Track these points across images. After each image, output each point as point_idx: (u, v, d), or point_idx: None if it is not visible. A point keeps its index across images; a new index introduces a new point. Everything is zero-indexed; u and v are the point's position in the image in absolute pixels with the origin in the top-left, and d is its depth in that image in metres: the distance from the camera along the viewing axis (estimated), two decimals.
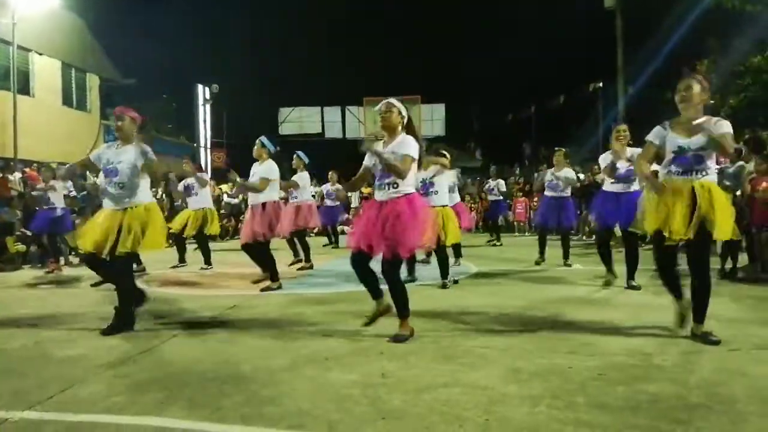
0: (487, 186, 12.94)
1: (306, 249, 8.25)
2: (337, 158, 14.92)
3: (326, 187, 11.68)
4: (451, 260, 6.79)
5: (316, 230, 12.07)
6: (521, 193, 16.43)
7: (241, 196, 14.42)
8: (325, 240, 12.33)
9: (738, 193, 6.51)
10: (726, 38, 16.04)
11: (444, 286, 6.04)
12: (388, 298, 3.96)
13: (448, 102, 27.47)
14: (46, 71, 18.24)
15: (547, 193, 7.99)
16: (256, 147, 6.34)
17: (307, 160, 8.52)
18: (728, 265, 6.45)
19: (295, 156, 8.50)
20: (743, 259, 6.63)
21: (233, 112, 25.90)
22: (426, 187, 5.97)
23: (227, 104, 25.71)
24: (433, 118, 27.12)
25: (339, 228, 12.64)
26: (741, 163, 6.96)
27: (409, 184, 3.90)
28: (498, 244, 11.96)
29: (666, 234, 3.60)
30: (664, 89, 9.98)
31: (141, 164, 4.39)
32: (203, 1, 30.44)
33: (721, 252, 6.49)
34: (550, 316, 4.58)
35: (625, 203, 5.42)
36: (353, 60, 27.56)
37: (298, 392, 2.86)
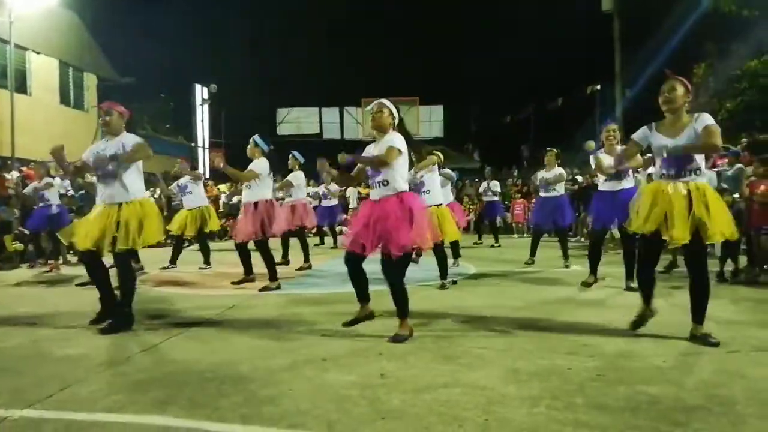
0: (481, 187, 13.03)
1: (306, 249, 8.25)
2: (335, 159, 14.86)
3: (321, 188, 11.68)
4: (450, 261, 6.79)
5: (314, 230, 12.08)
6: (519, 195, 16.46)
7: (236, 198, 14.39)
8: (317, 240, 12.33)
9: (736, 195, 6.53)
10: (723, 42, 16.15)
11: (443, 287, 6.04)
12: (373, 305, 4.08)
13: (446, 103, 27.59)
14: (43, 70, 18.21)
15: (541, 194, 8.05)
16: (249, 146, 6.38)
17: (302, 160, 8.52)
18: (727, 267, 6.46)
19: (290, 156, 8.51)
20: (741, 261, 6.64)
21: (231, 112, 25.92)
22: (417, 188, 5.99)
23: (225, 104, 25.72)
24: (431, 119, 27.19)
25: (337, 228, 12.63)
26: (740, 165, 7.00)
27: (400, 182, 3.93)
28: (496, 245, 11.97)
29: (666, 239, 3.64)
30: None
31: (130, 148, 4.34)
32: (202, 1, 30.47)
33: (720, 255, 6.51)
34: (549, 317, 4.59)
35: (620, 201, 5.45)
36: (352, 61, 27.61)
37: (297, 392, 2.85)
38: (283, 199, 8.56)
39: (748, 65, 15.71)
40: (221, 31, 29.37)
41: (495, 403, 2.66)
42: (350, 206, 15.38)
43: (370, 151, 4.12)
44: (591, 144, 4.60)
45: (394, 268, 3.88)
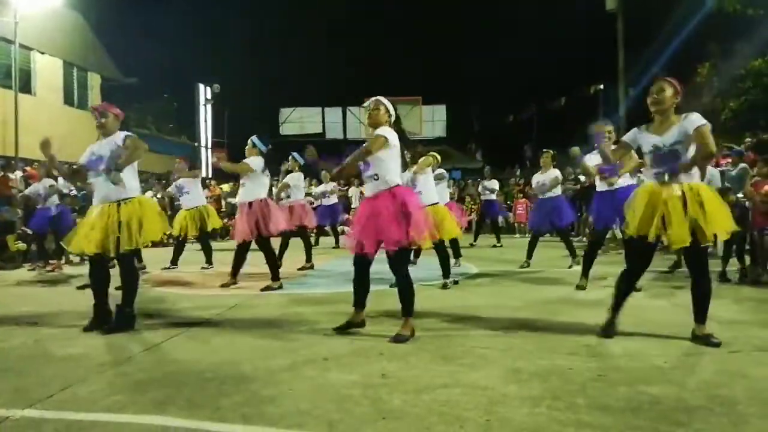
0: (479, 186, 13.04)
1: (308, 249, 8.25)
2: (335, 159, 14.85)
3: (320, 188, 11.66)
4: (451, 261, 6.78)
5: (315, 231, 12.07)
6: (521, 195, 16.44)
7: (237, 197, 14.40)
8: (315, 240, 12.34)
9: (740, 195, 6.51)
10: (727, 42, 16.08)
11: (445, 287, 6.04)
12: (364, 314, 4.11)
13: (448, 103, 27.53)
14: (47, 70, 18.25)
15: (539, 195, 8.03)
16: (247, 147, 6.42)
17: (302, 162, 8.51)
18: (731, 267, 6.44)
19: (290, 157, 8.51)
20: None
21: (234, 112, 25.93)
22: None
23: (229, 104, 25.73)
24: (434, 119, 27.17)
25: (339, 228, 12.63)
26: (744, 165, 6.98)
27: (392, 176, 3.92)
28: (498, 245, 11.96)
29: (665, 242, 3.64)
30: None
31: (123, 145, 4.35)
32: (205, 1, 30.43)
33: (723, 255, 6.48)
34: (550, 317, 4.58)
35: (618, 200, 5.43)
36: (354, 60, 27.54)
37: (298, 392, 2.85)
38: (285, 199, 8.56)
39: (752, 64, 15.65)
40: (225, 31, 29.37)
41: (496, 404, 2.66)
42: (352, 206, 15.39)
43: None
44: (576, 150, 4.59)
45: (395, 264, 3.89)
